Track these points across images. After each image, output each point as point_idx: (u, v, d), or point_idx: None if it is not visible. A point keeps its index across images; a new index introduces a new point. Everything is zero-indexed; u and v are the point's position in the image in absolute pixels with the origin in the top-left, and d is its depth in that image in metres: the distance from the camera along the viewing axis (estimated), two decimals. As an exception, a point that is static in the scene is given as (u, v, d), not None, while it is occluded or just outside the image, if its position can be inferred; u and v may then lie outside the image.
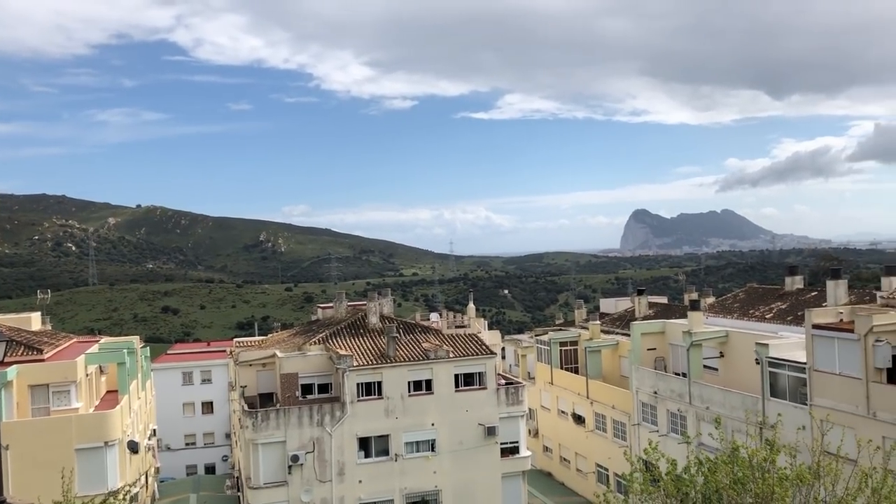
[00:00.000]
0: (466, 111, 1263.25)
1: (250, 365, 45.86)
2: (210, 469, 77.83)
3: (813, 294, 45.12)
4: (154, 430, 57.09)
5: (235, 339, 69.06)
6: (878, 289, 40.81)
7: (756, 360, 36.89)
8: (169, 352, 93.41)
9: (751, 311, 46.54)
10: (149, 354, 61.72)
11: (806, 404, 33.19)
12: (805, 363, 33.73)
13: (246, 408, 41.23)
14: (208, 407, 79.53)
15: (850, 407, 30.86)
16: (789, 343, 36.37)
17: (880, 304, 35.24)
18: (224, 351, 78.10)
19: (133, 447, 38.81)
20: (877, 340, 30.30)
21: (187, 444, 78.71)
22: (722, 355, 42.18)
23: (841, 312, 33.84)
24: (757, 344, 36.99)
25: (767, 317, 44.62)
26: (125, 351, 42.61)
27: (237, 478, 57.65)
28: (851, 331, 31.38)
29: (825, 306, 37.18)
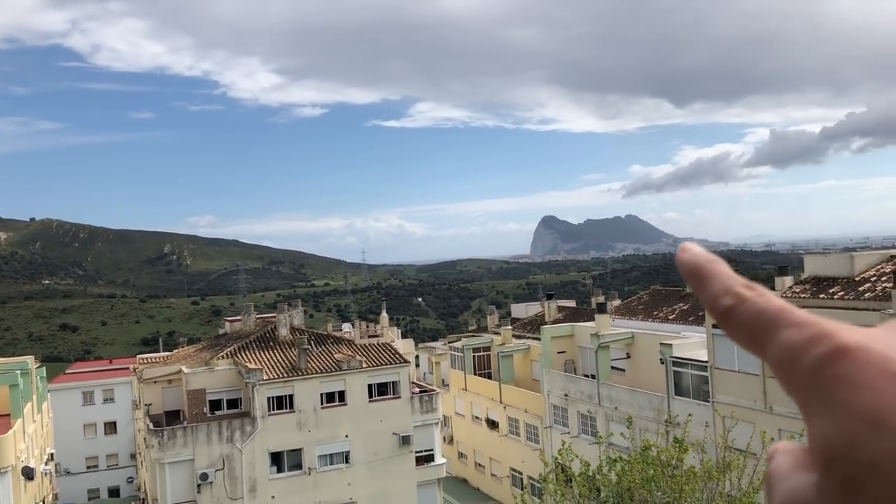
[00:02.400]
0: (377, 119, 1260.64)
1: (155, 382, 44.23)
2: (114, 492, 74.51)
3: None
4: (52, 455, 54.23)
5: (139, 356, 66.45)
6: (773, 288, 42.82)
7: (661, 359, 38.09)
8: (68, 371, 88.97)
9: (655, 313, 48.05)
10: (45, 374, 58.67)
11: (708, 401, 34.46)
12: (706, 362, 35.03)
13: (151, 426, 39.72)
14: (111, 427, 76.15)
15: (749, 402, 32.22)
16: (691, 343, 37.72)
17: (774, 302, 36.81)
18: (127, 368, 74.99)
19: (28, 473, 36.73)
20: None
21: (89, 468, 75.10)
22: (629, 356, 43.37)
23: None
24: (661, 344, 38.21)
25: (670, 318, 46.17)
26: (18, 372, 40.33)
27: (143, 500, 55.42)
28: (748, 329, 32.77)
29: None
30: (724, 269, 0.93)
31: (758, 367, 32.40)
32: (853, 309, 31.78)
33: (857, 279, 34.25)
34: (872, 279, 33.78)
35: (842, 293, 33.69)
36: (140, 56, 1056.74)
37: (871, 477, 0.81)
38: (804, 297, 34.83)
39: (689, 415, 21.29)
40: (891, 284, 30.32)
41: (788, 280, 40.09)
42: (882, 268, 34.43)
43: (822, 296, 33.90)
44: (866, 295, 32.57)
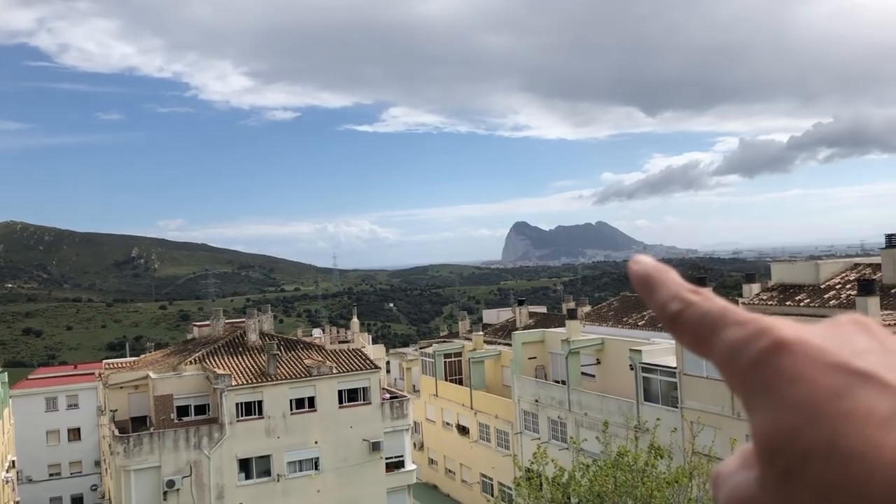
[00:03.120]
0: (350, 123, 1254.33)
1: (121, 387, 43.51)
2: (77, 500, 73.19)
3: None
4: (13, 462, 53.19)
5: (105, 361, 65.43)
6: (741, 295, 43.38)
7: (630, 365, 38.35)
8: (31, 377, 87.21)
9: (625, 319, 48.40)
10: (6, 380, 57.54)
11: (677, 407, 34.74)
12: (675, 367, 35.34)
13: (117, 433, 39.08)
14: (75, 434, 74.77)
15: (716, 408, 32.54)
16: (661, 349, 38.02)
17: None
18: (93, 374, 73.74)
19: (-11, 481, 35.95)
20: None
21: (52, 475, 73.67)
22: (599, 362, 43.61)
23: (707, 318, 35.67)
24: (631, 350, 38.47)
25: (640, 324, 46.52)
26: (-21, 377, 39.51)
27: (108, 508, 54.47)
28: (716, 335, 33.13)
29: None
30: (672, 277, 0.96)
31: (725, 374, 32.76)
32: (820, 316, 32.19)
33: (822, 287, 34.80)
34: (837, 287, 34.34)
35: (808, 300, 34.20)
36: (109, 56, 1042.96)
37: (806, 466, 0.82)
38: (771, 304, 35.30)
39: (658, 420, 21.43)
40: (855, 292, 30.85)
41: (756, 287, 40.61)
42: (846, 276, 35.03)
43: (788, 303, 34.39)
44: (831, 302, 33.09)
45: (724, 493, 0.87)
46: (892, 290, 32.29)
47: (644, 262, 0.99)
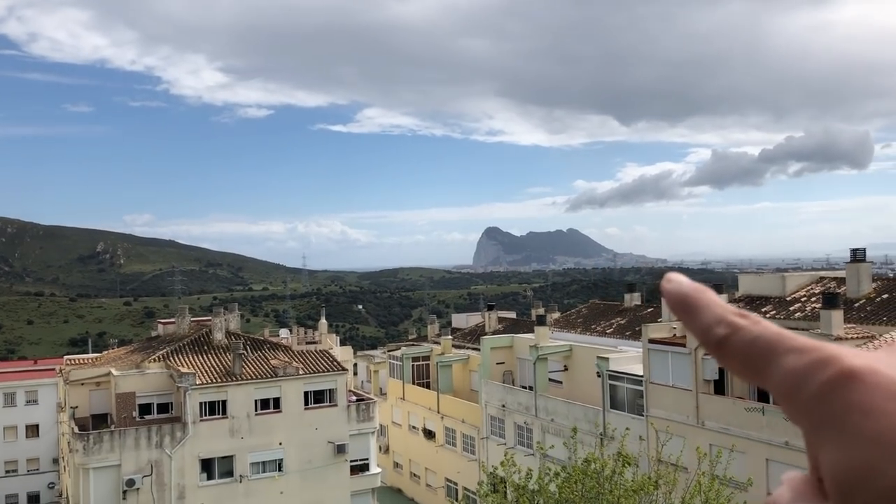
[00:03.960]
0: (324, 123, 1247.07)
1: (82, 384, 42.73)
2: (33, 498, 71.75)
3: (649, 310, 47.78)
4: (-32, 458, 51.93)
5: (66, 357, 64.22)
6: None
7: (597, 373, 38.52)
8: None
9: (593, 326, 48.63)
10: (-36, 374, 56.20)
11: (643, 415, 34.95)
12: (642, 376, 35.55)
13: (76, 430, 38.34)
14: (33, 430, 73.31)
15: (681, 417, 32.78)
16: (628, 357, 38.25)
17: (708, 319, 37.65)
18: (53, 369, 72.32)
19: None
20: (706, 354, 32.40)
21: (8, 472, 72.15)
22: (566, 368, 43.75)
23: (674, 328, 35.98)
24: (598, 358, 38.64)
25: (608, 331, 46.77)
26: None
27: (65, 506, 53.42)
28: (683, 345, 33.42)
29: (660, 322, 39.43)
30: (713, 298, 0.91)
31: (691, 383, 33.01)
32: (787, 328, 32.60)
33: (788, 299, 35.25)
34: (802, 299, 34.81)
35: (773, 312, 34.61)
36: (80, 48, 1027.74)
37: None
38: (737, 315, 35.64)
39: (627, 429, 21.52)
40: (820, 305, 31.29)
41: (723, 298, 40.93)
42: (812, 288, 35.52)
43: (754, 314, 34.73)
44: (796, 314, 33.53)
45: None
46: (856, 304, 32.82)
47: (679, 281, 0.93)
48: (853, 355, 0.80)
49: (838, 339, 28.27)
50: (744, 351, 0.86)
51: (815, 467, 0.82)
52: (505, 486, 16.02)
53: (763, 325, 0.87)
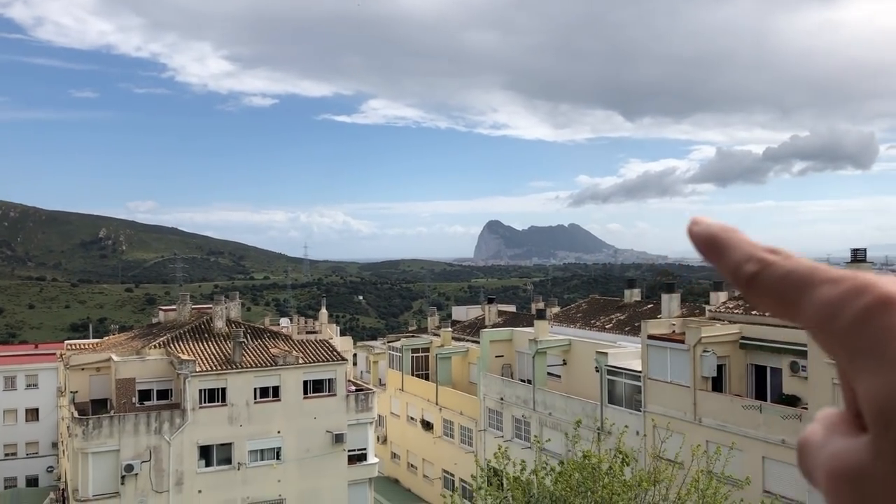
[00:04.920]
0: (329, 113, 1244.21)
1: (82, 369, 42.91)
2: (32, 481, 72.03)
3: (649, 306, 47.86)
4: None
5: (67, 342, 64.44)
6: (708, 303, 43.87)
7: (596, 368, 38.62)
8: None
9: (592, 321, 48.71)
10: (-35, 357, 56.39)
11: (640, 411, 35.06)
12: (640, 372, 35.65)
13: (76, 414, 38.52)
14: (33, 414, 73.63)
15: (679, 413, 32.89)
16: (626, 352, 38.34)
17: (709, 317, 37.93)
18: (54, 354, 72.55)
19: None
20: (704, 351, 32.51)
21: (7, 455, 72.48)
22: (565, 363, 43.86)
23: (674, 324, 36.07)
24: (597, 352, 38.74)
25: (607, 327, 46.86)
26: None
27: (63, 490, 53.67)
28: (682, 342, 33.50)
29: (660, 318, 39.52)
30: (742, 237, 0.89)
31: (689, 379, 33.10)
32: (783, 326, 32.66)
33: (787, 298, 35.28)
34: (802, 298, 34.84)
35: (772, 310, 34.65)
36: (86, 33, 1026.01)
37: None
38: (737, 313, 35.75)
39: (626, 426, 21.62)
40: (819, 304, 31.30)
41: (723, 295, 41.07)
42: (811, 288, 35.55)
43: (754, 312, 34.83)
44: (795, 313, 33.57)
45: (824, 462, 0.80)
46: (855, 304, 32.85)
47: (706, 222, 0.91)
48: (888, 282, 0.79)
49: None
50: (776, 285, 0.84)
51: (851, 400, 0.81)
52: (500, 479, 16.11)
53: (795, 260, 0.85)
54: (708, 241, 0.89)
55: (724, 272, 0.89)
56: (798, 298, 0.82)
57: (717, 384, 32.99)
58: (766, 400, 31.99)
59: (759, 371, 33.46)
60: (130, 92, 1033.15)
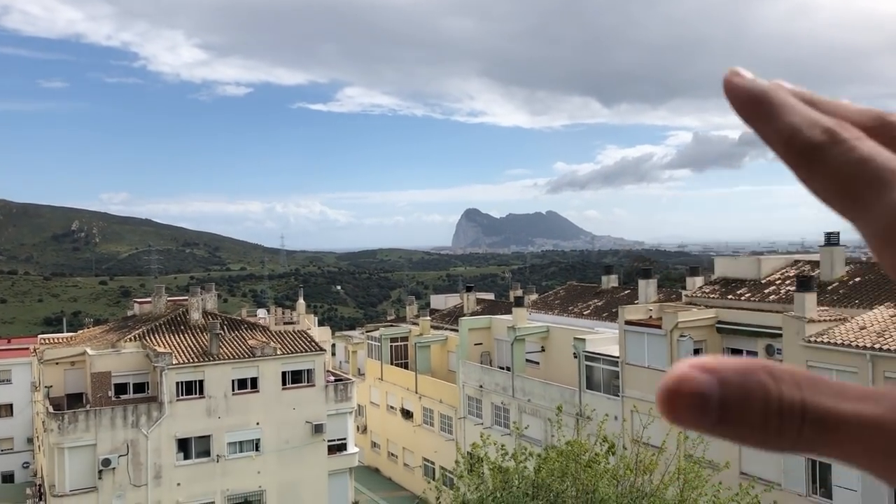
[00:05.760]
0: (304, 101, 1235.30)
1: (57, 363, 42.37)
2: (8, 477, 71.18)
3: (626, 292, 48.15)
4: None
5: (41, 336, 63.58)
6: (685, 288, 44.22)
7: (574, 354, 38.80)
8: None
9: (570, 308, 48.92)
10: (-64, 353, 55.47)
11: (618, 396, 35.30)
12: (618, 357, 35.87)
13: (51, 409, 38.05)
14: (7, 410, 72.64)
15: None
16: (604, 338, 38.56)
17: (685, 302, 38.23)
18: (28, 348, 71.58)
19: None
20: (681, 336, 32.77)
21: (-19, 452, 71.49)
22: (543, 349, 44.04)
23: (650, 310, 36.30)
24: (575, 339, 38.91)
25: (585, 313, 47.09)
26: None
27: (39, 486, 53.08)
28: (659, 327, 33.74)
29: (637, 304, 39.76)
30: (795, 101, 0.73)
31: (667, 364, 33.34)
32: (758, 310, 32.99)
33: (763, 281, 35.65)
34: (777, 282, 35.22)
35: (748, 294, 35.01)
36: (54, 21, 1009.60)
37: None
38: (713, 297, 36.04)
39: (606, 415, 21.71)
40: (794, 288, 31.67)
41: (699, 280, 41.40)
42: (786, 272, 35.95)
43: (730, 296, 35.16)
44: (771, 297, 33.94)
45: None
46: (829, 287, 33.27)
47: (749, 77, 0.74)
48: None
49: (811, 321, 28.65)
50: (847, 169, 0.67)
51: None
52: (481, 466, 16.12)
53: (870, 145, 0.68)
54: (755, 99, 0.72)
55: (774, 138, 0.71)
56: (868, 196, 0.66)
57: (694, 368, 33.24)
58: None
59: (736, 354, 33.75)
60: (101, 82, 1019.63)
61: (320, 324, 68.53)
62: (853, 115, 0.73)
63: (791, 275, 34.90)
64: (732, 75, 0.74)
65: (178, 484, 39.07)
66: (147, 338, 41.78)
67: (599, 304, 47.83)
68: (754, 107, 0.72)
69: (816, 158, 0.68)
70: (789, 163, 0.70)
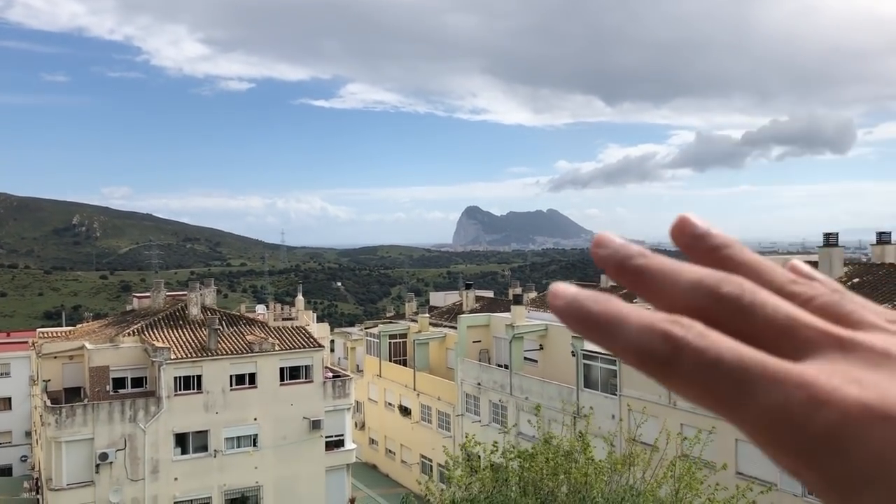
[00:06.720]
0: (306, 97, 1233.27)
1: (55, 357, 42.39)
2: (6, 471, 71.28)
3: (625, 291, 48.00)
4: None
5: (40, 330, 63.62)
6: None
7: (572, 352, 38.82)
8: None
9: (570, 307, 48.91)
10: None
11: (616, 394, 35.32)
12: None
13: (48, 403, 38.09)
14: (5, 403, 72.77)
15: (654, 397, 33.15)
16: (603, 337, 38.54)
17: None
18: (27, 342, 71.68)
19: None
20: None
21: (-21, 445, 71.58)
22: (542, 348, 44.05)
23: (649, 309, 36.26)
24: (573, 337, 38.92)
25: (584, 312, 47.08)
26: None
27: (37, 479, 53.16)
28: (657, 325, 33.74)
29: (636, 302, 39.73)
30: (624, 304, 0.67)
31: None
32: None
33: (761, 282, 35.62)
34: (775, 282, 35.20)
35: (746, 295, 34.98)
36: (57, 15, 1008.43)
37: None
38: (711, 297, 36.03)
39: (591, 407, 21.71)
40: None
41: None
42: (785, 272, 35.92)
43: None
44: (769, 297, 33.91)
45: None
46: (827, 288, 33.23)
47: (570, 294, 0.67)
48: (846, 386, 0.58)
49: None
50: (702, 378, 0.61)
51: None
52: (470, 464, 16.14)
53: (712, 339, 0.62)
54: (580, 319, 0.66)
55: (621, 354, 0.65)
56: (736, 400, 0.60)
57: (692, 368, 33.30)
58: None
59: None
60: (104, 76, 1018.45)
61: (320, 320, 68.65)
62: (685, 293, 0.67)
63: (790, 275, 34.88)
64: (552, 297, 0.68)
65: (176, 479, 39.11)
66: (145, 332, 41.80)
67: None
68: (585, 328, 0.66)
69: (668, 372, 0.62)
70: (647, 376, 0.65)
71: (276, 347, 41.99)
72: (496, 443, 15.91)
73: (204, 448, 40.10)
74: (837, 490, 0.57)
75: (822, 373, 0.59)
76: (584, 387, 37.79)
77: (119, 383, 39.94)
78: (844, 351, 0.61)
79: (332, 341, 63.35)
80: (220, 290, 54.30)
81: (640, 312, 0.66)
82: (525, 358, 44.00)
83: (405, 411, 52.84)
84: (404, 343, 55.51)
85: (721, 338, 0.61)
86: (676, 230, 0.75)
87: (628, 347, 0.64)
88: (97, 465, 37.33)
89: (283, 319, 46.35)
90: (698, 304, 0.66)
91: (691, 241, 0.74)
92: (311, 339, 43.87)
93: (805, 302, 0.66)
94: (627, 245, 0.72)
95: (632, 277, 0.71)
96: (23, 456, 72.38)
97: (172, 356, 39.31)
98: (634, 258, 0.71)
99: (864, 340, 0.62)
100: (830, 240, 34.34)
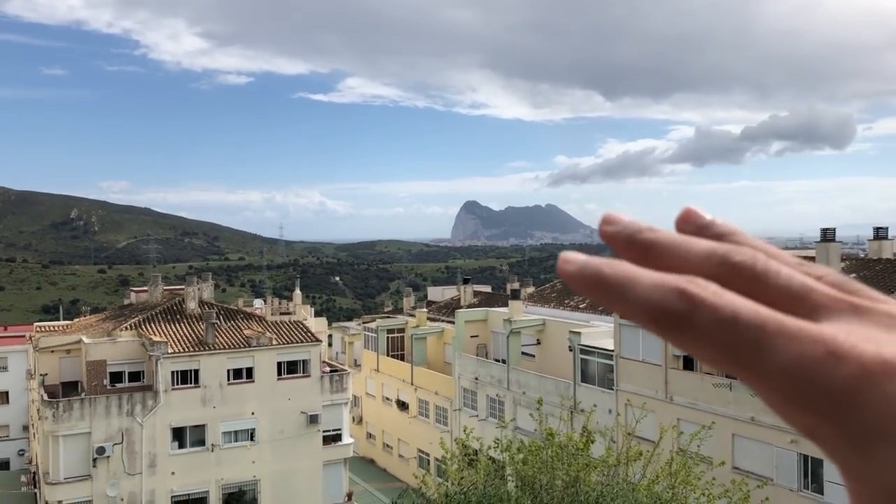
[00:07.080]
0: (305, 91, 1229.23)
1: (52, 351, 42.39)
2: (3, 465, 71.31)
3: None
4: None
5: (37, 324, 63.58)
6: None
7: (569, 347, 38.85)
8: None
9: (566, 301, 48.92)
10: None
11: (613, 389, 35.36)
12: (613, 350, 35.91)
13: (46, 397, 38.09)
14: (3, 397, 72.74)
15: (651, 392, 33.21)
16: (599, 331, 38.59)
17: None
18: (24, 336, 71.64)
19: None
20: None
21: (-23, 439, 71.59)
22: (539, 342, 44.07)
23: (646, 303, 36.31)
24: (570, 332, 38.95)
25: (581, 306, 47.08)
26: None
27: (34, 473, 53.19)
28: (654, 321, 33.75)
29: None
30: (634, 269, 0.67)
31: (661, 358, 33.39)
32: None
33: (758, 277, 35.63)
34: (772, 278, 35.20)
35: (743, 290, 34.99)
36: (55, 8, 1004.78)
37: None
38: (708, 292, 36.04)
39: (594, 405, 21.72)
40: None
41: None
42: (782, 267, 35.93)
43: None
44: (766, 292, 33.91)
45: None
46: (824, 283, 33.25)
47: (581, 261, 0.69)
48: (864, 343, 0.60)
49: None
50: (718, 335, 0.61)
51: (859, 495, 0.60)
52: (467, 457, 16.16)
53: (727, 298, 0.62)
54: (593, 281, 0.67)
55: (634, 315, 0.66)
56: (751, 358, 0.61)
57: (689, 362, 33.30)
58: (735, 378, 32.36)
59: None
60: (102, 69, 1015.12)
61: (318, 314, 68.56)
62: (698, 262, 0.68)
63: (787, 270, 34.88)
64: (563, 263, 0.69)
65: (173, 473, 39.14)
66: (143, 326, 41.78)
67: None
68: (598, 289, 0.67)
69: (684, 329, 0.62)
70: (659, 335, 0.65)
71: (274, 342, 41.99)
72: (497, 439, 15.91)
73: (201, 442, 40.12)
74: (854, 443, 0.58)
75: (839, 331, 0.60)
76: (582, 381, 37.82)
77: (116, 377, 39.96)
78: (859, 315, 0.63)
79: (330, 336, 63.31)
80: (218, 284, 54.25)
81: (653, 273, 0.66)
82: (522, 353, 44.03)
83: (402, 406, 52.89)
84: (402, 338, 55.53)
85: (737, 297, 0.62)
86: (682, 221, 0.76)
87: (642, 305, 0.64)
88: (94, 459, 37.35)
89: (281, 314, 46.30)
90: (712, 272, 0.66)
91: (697, 231, 0.74)
92: (309, 334, 43.87)
93: (815, 279, 0.68)
94: (636, 221, 0.74)
95: (642, 251, 0.71)
96: (20, 450, 72.41)
97: (170, 350, 39.30)
98: (643, 232, 0.72)
99: (878, 306, 0.64)
100: (828, 235, 34.33)
